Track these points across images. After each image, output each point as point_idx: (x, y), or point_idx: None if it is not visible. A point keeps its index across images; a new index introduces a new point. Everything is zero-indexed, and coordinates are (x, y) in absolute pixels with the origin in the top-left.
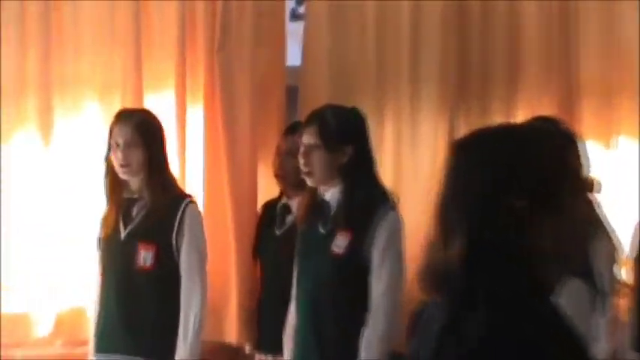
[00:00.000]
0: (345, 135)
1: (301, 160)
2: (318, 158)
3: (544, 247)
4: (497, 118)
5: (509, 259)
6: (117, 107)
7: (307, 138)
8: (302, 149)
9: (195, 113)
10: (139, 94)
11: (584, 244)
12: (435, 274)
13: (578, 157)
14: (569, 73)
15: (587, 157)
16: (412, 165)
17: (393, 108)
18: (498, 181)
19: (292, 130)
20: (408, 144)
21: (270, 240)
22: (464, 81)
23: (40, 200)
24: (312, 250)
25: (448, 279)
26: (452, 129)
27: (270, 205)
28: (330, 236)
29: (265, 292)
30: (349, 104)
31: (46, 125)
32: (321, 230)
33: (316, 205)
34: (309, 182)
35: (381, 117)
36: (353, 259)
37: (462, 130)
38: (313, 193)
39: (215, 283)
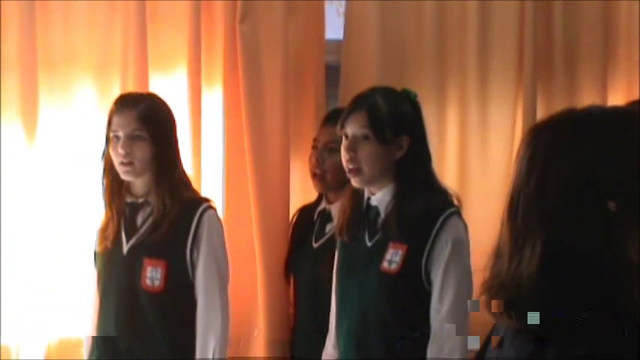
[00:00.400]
0: (401, 124)
1: (346, 155)
2: (369, 152)
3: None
4: (584, 102)
5: (596, 276)
6: (116, 92)
7: (354, 127)
8: (346, 142)
9: (213, 99)
10: (143, 76)
11: None
12: (503, 293)
13: None
14: None
15: None
16: (480, 160)
17: (455, 90)
18: (583, 178)
19: (333, 118)
20: (475, 134)
21: (307, 254)
22: (544, 57)
23: (22, 209)
24: (355, 266)
25: (519, 299)
26: (529, 115)
27: (306, 212)
28: (379, 250)
29: (300, 319)
30: (401, 86)
31: (28, 115)
32: (368, 242)
33: (361, 211)
34: (355, 182)
35: (441, 101)
36: (407, 278)
37: (542, 117)
38: (357, 195)
39: (238, 308)
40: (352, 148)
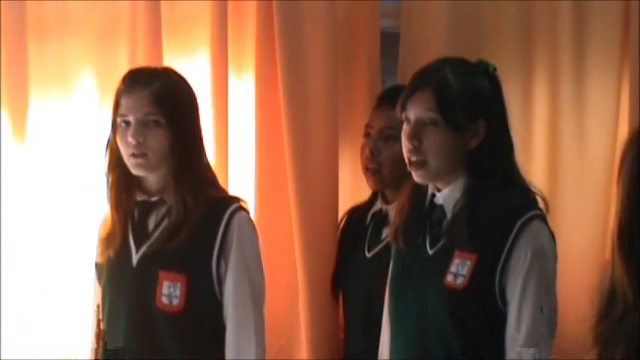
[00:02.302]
0: (477, 105)
1: (408, 145)
2: (437, 141)
3: None
4: None
5: None
6: (124, 67)
7: (418, 110)
8: (409, 128)
9: (243, 79)
10: (156, 48)
11: None
12: (628, 346)
13: None
14: None
15: None
16: (575, 150)
17: (544, 62)
18: None
19: (390, 98)
20: (569, 117)
21: (359, 265)
22: None
23: (10, 213)
24: (413, 279)
25: (630, 345)
26: (638, 93)
27: (357, 213)
28: (443, 259)
29: (351, 340)
30: (475, 57)
31: (16, 97)
32: (429, 250)
33: (423, 211)
34: (419, 178)
35: (527, 76)
36: (477, 295)
37: None
38: (419, 192)
39: (276, 332)
40: (416, 136)
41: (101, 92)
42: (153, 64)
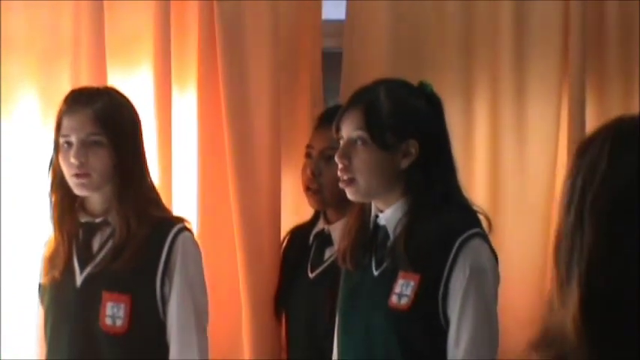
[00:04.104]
0: (407, 125)
1: (339, 162)
2: (365, 160)
3: None
4: None
5: None
6: (66, 87)
7: (348, 129)
8: (341, 145)
9: (185, 95)
10: (99, 68)
11: None
12: (550, 350)
13: None
14: None
15: None
16: (516, 169)
17: (486, 83)
18: (623, 205)
19: (331, 118)
20: (510, 137)
21: (302, 286)
22: (595, 39)
23: None
24: (360, 300)
25: (565, 357)
26: (576, 113)
27: (299, 234)
28: (388, 280)
29: None
30: (416, 78)
31: None
32: (374, 271)
33: (367, 234)
34: (350, 195)
35: (468, 96)
36: (421, 315)
37: (595, 118)
38: (364, 213)
39: (219, 352)
40: (345, 155)
41: (43, 110)
42: (96, 80)
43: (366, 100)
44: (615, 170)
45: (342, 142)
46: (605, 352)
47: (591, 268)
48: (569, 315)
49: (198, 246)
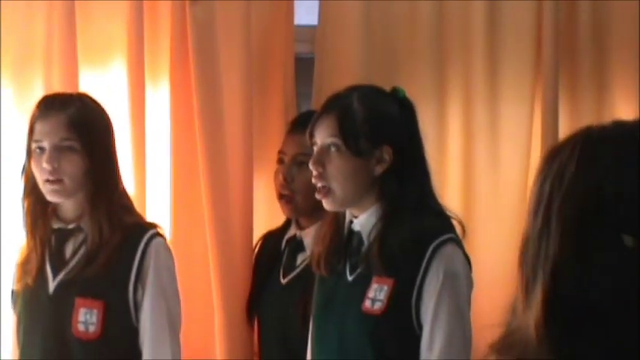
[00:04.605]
0: (381, 131)
1: (314, 169)
2: (339, 167)
3: None
4: (617, 100)
5: (614, 328)
6: (39, 91)
7: (322, 135)
8: (315, 153)
9: (158, 100)
10: (71, 69)
11: None
12: (511, 352)
13: None
14: None
15: None
16: (489, 174)
17: (458, 90)
18: (590, 210)
19: (303, 123)
20: (483, 142)
21: (274, 291)
22: (568, 45)
23: None
24: (334, 305)
25: (525, 357)
26: (549, 118)
27: (272, 239)
28: (362, 285)
29: None
30: (389, 83)
31: None
32: (348, 276)
33: (341, 240)
34: (327, 205)
35: (441, 101)
36: (394, 320)
37: (568, 121)
38: (336, 220)
39: (192, 356)
40: (320, 162)
41: (16, 115)
42: (68, 84)
43: (340, 106)
44: (583, 176)
45: (315, 148)
46: (565, 356)
47: (556, 273)
48: (532, 318)
49: (170, 251)
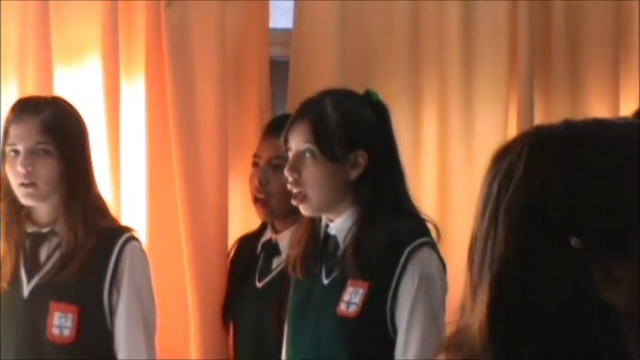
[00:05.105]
0: (355, 135)
1: (289, 176)
2: (315, 172)
3: (618, 310)
4: (591, 100)
5: (560, 329)
6: (13, 93)
7: (296, 141)
8: (290, 158)
9: (134, 99)
10: (45, 69)
11: None
12: (459, 352)
13: None
14: None
15: None
16: (464, 179)
17: (434, 93)
18: (537, 211)
19: (278, 127)
20: (458, 143)
21: (249, 295)
22: (543, 46)
23: None
24: (309, 309)
25: (471, 356)
26: (524, 119)
27: (247, 243)
28: (337, 288)
29: None
30: (364, 86)
31: None
32: (324, 280)
33: (317, 243)
34: (304, 211)
35: (416, 107)
36: (369, 323)
37: (543, 122)
38: (312, 223)
39: None
40: (295, 168)
41: None
42: (43, 84)
43: (313, 112)
44: (530, 176)
45: (290, 154)
46: (504, 358)
47: (501, 273)
48: (477, 318)
49: (145, 255)
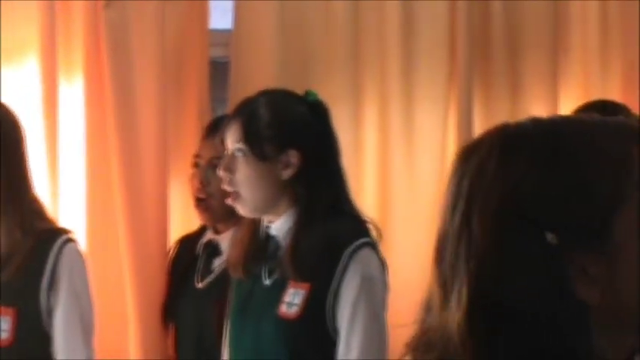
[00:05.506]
0: (286, 135)
1: (222, 176)
2: (247, 172)
3: (593, 306)
4: (530, 103)
5: (536, 325)
6: None
7: (230, 141)
8: (223, 158)
9: (72, 101)
10: None
11: None
12: (432, 352)
13: None
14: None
15: None
16: (405, 179)
17: (374, 93)
18: (513, 208)
19: (218, 128)
20: (399, 144)
21: (190, 296)
22: (482, 49)
23: None
24: (251, 309)
25: (448, 358)
26: (464, 120)
27: (187, 243)
28: (278, 289)
29: None
30: (304, 87)
31: None
32: (265, 281)
33: (258, 244)
34: (242, 212)
35: (356, 108)
36: (310, 324)
37: (482, 122)
38: (253, 224)
39: None
40: (228, 168)
41: None
42: None
43: (246, 111)
44: (503, 174)
45: (225, 154)
46: (484, 357)
47: (479, 272)
48: (453, 318)
49: (83, 257)
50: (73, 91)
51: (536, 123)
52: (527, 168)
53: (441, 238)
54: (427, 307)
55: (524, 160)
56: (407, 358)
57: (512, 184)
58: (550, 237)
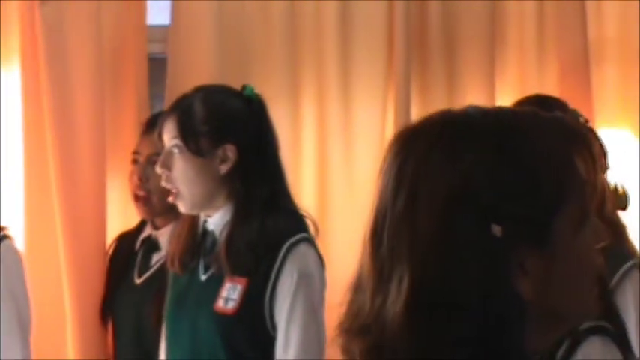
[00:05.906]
0: (222, 129)
1: (160, 172)
2: (183, 168)
3: (527, 300)
4: (468, 98)
5: (476, 316)
6: None
7: (166, 137)
8: (161, 155)
9: (9, 101)
10: None
11: (599, 289)
12: (366, 336)
13: (593, 160)
14: (577, 31)
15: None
16: (343, 171)
17: (312, 90)
18: (459, 197)
19: (156, 124)
20: (337, 140)
21: (128, 291)
22: (420, 45)
23: None
24: (187, 304)
25: (384, 343)
26: (402, 115)
27: (126, 240)
28: (215, 284)
29: None
30: (242, 82)
31: None
32: (202, 276)
33: (195, 238)
34: (182, 209)
35: (294, 104)
36: (247, 319)
37: (417, 118)
38: (192, 219)
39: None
40: (165, 165)
41: None
42: None
43: (181, 107)
44: (452, 162)
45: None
46: (423, 344)
47: (423, 258)
48: (393, 303)
49: (19, 254)
50: (9, 88)
51: (485, 114)
52: (476, 159)
53: (378, 220)
54: (357, 288)
55: (473, 151)
56: (340, 339)
57: (460, 174)
58: (495, 229)
